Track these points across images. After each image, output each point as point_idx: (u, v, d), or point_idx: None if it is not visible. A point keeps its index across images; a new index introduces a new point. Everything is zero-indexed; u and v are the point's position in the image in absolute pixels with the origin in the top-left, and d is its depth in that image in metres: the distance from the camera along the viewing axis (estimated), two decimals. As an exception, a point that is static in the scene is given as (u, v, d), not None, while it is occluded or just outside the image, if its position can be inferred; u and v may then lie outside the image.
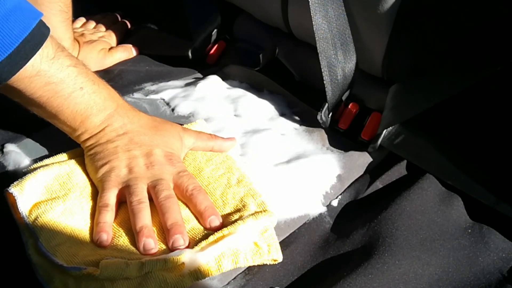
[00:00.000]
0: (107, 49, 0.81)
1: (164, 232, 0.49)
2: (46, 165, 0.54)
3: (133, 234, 0.49)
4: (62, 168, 0.54)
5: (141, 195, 0.51)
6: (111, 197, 0.51)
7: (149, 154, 0.54)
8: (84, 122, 0.53)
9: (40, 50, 0.49)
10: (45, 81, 0.50)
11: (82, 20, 0.90)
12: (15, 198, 0.49)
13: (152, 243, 0.48)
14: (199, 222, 0.51)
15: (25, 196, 0.50)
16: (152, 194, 0.51)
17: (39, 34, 0.49)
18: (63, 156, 0.56)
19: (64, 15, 0.72)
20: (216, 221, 0.50)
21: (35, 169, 0.54)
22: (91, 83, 0.53)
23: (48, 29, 0.51)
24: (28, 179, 0.51)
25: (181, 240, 0.48)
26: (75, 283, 0.45)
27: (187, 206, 0.52)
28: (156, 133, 0.56)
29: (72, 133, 0.55)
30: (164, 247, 0.49)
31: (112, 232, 0.49)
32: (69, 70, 0.52)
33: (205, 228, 0.50)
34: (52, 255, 0.46)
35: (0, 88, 0.50)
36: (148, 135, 0.55)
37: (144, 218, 0.49)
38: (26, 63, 0.48)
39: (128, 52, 0.82)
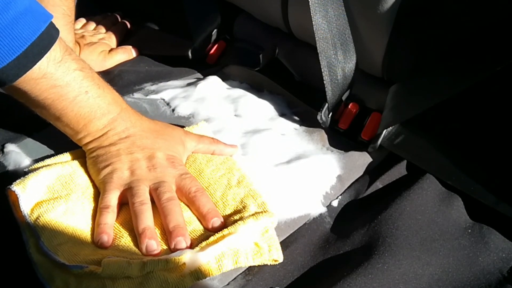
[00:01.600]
0: (107, 51, 0.81)
1: (166, 234, 0.49)
2: (48, 165, 0.54)
3: (134, 235, 0.49)
4: (65, 169, 0.54)
5: (143, 196, 0.51)
6: (112, 198, 0.51)
7: (151, 157, 0.54)
8: (87, 125, 0.54)
9: (48, 53, 0.49)
10: (51, 83, 0.50)
11: (82, 21, 0.90)
12: (18, 196, 0.50)
13: (155, 244, 0.48)
14: (201, 223, 0.51)
15: (27, 195, 0.50)
16: (154, 196, 0.51)
17: (48, 37, 0.49)
18: (65, 156, 0.56)
19: (67, 19, 0.73)
20: (218, 223, 0.50)
21: (36, 168, 0.54)
22: (96, 87, 0.54)
23: (57, 31, 0.51)
24: (31, 178, 0.51)
25: (183, 243, 0.48)
26: (76, 281, 0.45)
27: (189, 208, 0.52)
28: (158, 136, 0.56)
29: (74, 135, 0.55)
30: (165, 247, 0.49)
31: (113, 233, 0.49)
32: (75, 73, 0.52)
33: (207, 230, 0.50)
34: (53, 254, 0.46)
35: (6, 89, 0.50)
36: (150, 139, 0.55)
37: (147, 219, 0.49)
38: (33, 66, 0.48)
39: (128, 53, 0.82)
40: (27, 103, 0.53)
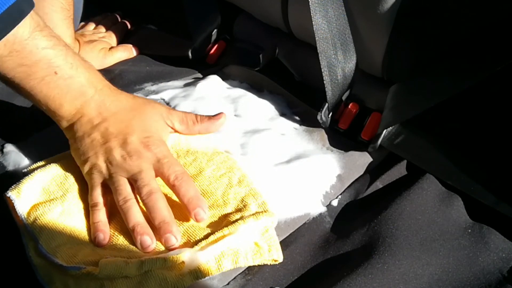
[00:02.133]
0: (107, 48, 0.81)
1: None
2: (43, 165, 0.54)
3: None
4: (59, 168, 0.54)
5: (125, 192, 0.50)
6: (98, 195, 0.50)
7: (125, 144, 0.51)
8: (59, 109, 0.52)
9: (14, 29, 0.46)
10: (17, 62, 0.48)
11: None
12: (13, 202, 0.50)
13: (149, 239, 0.47)
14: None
15: (23, 199, 0.50)
16: (135, 190, 0.50)
17: (16, 12, 0.46)
18: (59, 156, 0.56)
19: (65, 13, 0.72)
20: (201, 213, 0.49)
21: (33, 170, 0.54)
22: (68, 66, 0.51)
23: (30, 6, 0.48)
24: (25, 182, 0.51)
25: (172, 239, 0.47)
26: (75, 283, 0.45)
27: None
28: (135, 116, 0.53)
29: (53, 117, 0.53)
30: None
31: (108, 230, 0.49)
32: (44, 52, 0.49)
33: (196, 222, 0.49)
34: (52, 256, 0.46)
35: None
36: (124, 122, 0.53)
37: (134, 216, 0.48)
38: None
39: (128, 51, 0.82)
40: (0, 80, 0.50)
